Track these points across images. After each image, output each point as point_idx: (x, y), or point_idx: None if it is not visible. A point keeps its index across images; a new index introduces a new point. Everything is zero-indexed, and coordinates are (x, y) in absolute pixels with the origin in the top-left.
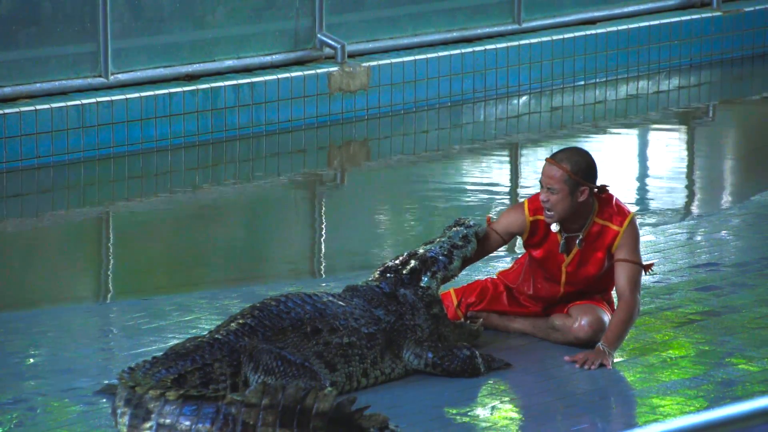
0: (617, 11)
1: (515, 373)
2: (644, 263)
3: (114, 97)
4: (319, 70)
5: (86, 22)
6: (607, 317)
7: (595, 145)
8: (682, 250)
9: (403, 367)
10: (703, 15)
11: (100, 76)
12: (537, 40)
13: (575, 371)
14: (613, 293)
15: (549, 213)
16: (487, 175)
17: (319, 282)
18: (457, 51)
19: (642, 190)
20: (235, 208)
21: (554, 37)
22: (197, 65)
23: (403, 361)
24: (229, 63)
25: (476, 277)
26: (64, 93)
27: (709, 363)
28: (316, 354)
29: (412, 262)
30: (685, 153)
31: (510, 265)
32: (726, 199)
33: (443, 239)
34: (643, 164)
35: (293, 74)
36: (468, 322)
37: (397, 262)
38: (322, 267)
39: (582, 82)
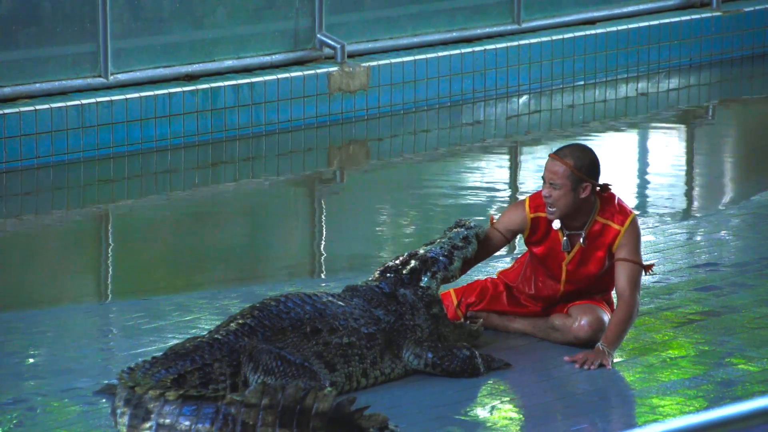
0: (617, 11)
1: (515, 373)
2: (645, 264)
3: (114, 97)
4: (318, 70)
5: (86, 22)
6: (606, 317)
7: (596, 145)
8: (682, 250)
9: (403, 367)
10: (703, 15)
11: (99, 76)
12: (537, 40)
13: (575, 371)
14: (613, 293)
15: (551, 209)
16: (487, 175)
17: (318, 282)
18: (457, 51)
19: (642, 190)
20: (235, 208)
21: (554, 37)
22: (197, 65)
23: (402, 361)
24: (228, 63)
25: (476, 277)
26: (63, 93)
27: (708, 363)
28: (316, 354)
29: (413, 262)
30: (685, 153)
31: (510, 265)
32: (726, 199)
33: (444, 240)
34: (643, 164)
35: (293, 74)
36: (468, 322)
37: (397, 262)
38: (322, 267)
39: (582, 82)
